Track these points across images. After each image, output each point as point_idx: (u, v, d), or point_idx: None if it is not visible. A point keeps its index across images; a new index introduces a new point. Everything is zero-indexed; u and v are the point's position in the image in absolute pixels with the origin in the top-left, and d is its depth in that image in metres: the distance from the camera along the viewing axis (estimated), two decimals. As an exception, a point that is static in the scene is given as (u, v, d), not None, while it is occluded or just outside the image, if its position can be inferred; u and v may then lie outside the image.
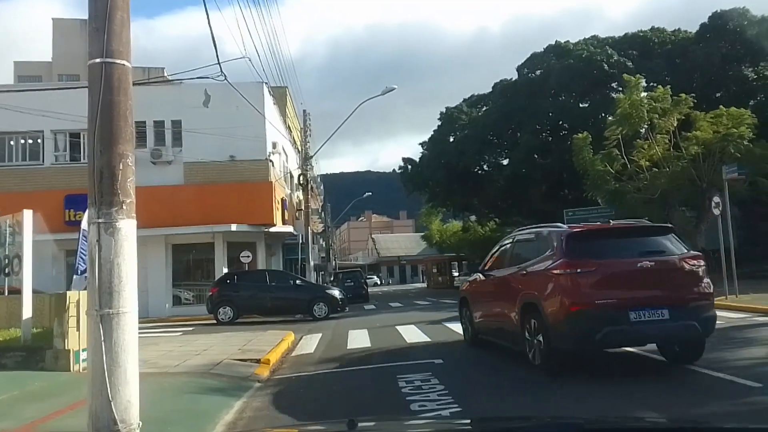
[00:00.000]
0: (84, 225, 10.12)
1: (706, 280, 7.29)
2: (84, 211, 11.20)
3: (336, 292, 19.83)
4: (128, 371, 4.54)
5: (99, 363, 4.44)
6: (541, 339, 7.10)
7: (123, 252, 4.75)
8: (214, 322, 18.05)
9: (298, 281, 20.07)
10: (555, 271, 7.04)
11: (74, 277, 10.38)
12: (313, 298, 18.83)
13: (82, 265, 9.67)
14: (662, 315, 6.71)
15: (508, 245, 9.10)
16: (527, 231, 8.96)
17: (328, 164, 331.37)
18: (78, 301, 8.32)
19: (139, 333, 4.87)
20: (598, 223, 10.88)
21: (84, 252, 9.43)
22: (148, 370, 7.88)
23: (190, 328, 16.76)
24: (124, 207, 4.82)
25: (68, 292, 8.68)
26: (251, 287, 18.77)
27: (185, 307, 22.09)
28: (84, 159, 21.72)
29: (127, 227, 4.82)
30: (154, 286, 21.23)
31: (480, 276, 9.68)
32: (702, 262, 7.45)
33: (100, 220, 4.75)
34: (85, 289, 7.27)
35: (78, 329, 8.26)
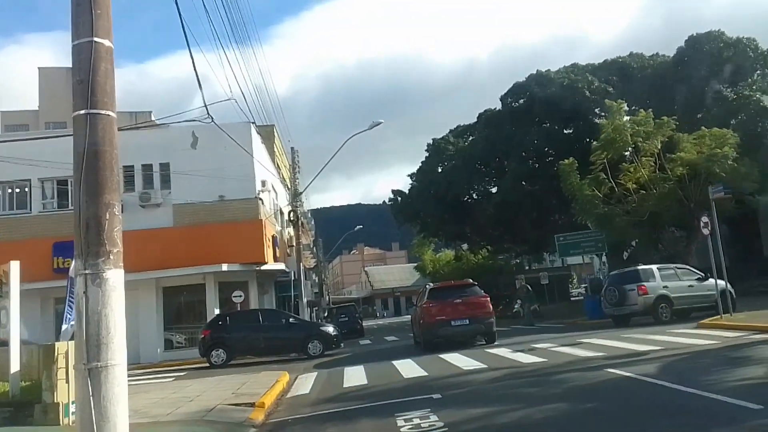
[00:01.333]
0: (72, 273, 10.02)
1: (489, 306, 16.33)
2: (72, 258, 11.14)
3: (330, 329, 19.55)
4: (118, 425, 4.45)
5: (87, 418, 4.35)
6: (420, 334, 16.88)
7: (111, 303, 4.69)
8: (207, 365, 17.75)
9: (291, 319, 19.76)
10: (423, 305, 16.82)
11: (63, 326, 10.21)
12: (308, 336, 18.52)
13: (71, 314, 9.53)
14: (465, 322, 15.85)
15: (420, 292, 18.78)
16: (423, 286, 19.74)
17: (320, 198, 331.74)
18: (66, 352, 8.16)
19: (130, 380, 4.79)
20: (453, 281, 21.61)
21: (72, 301, 9.31)
22: (139, 420, 7.71)
23: (183, 373, 16.48)
24: (111, 257, 4.79)
25: (56, 344, 8.52)
26: (244, 328, 18.45)
27: (178, 351, 21.75)
28: (71, 206, 21.68)
29: (115, 277, 4.77)
30: (145, 331, 20.94)
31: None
32: (486, 298, 16.57)
33: (87, 271, 4.71)
34: (72, 339, 7.16)
35: (67, 381, 8.08)
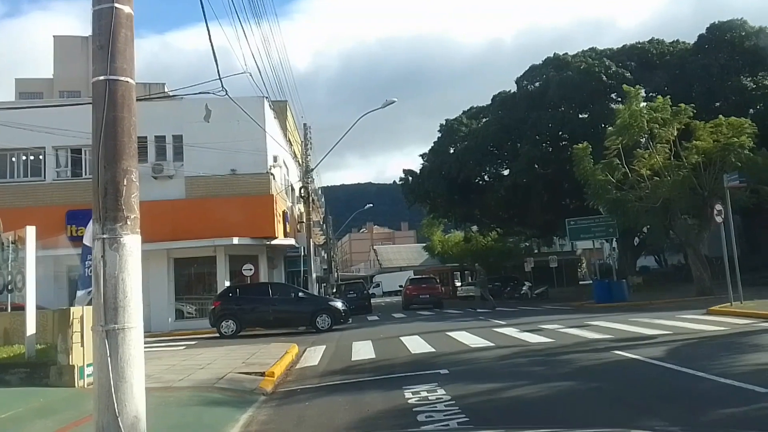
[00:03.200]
0: (86, 240, 10.14)
1: (439, 288, 34.15)
2: (85, 227, 11.26)
3: (339, 304, 19.74)
4: (134, 386, 4.54)
5: (105, 378, 4.44)
6: (403, 301, 33.24)
7: (128, 267, 4.76)
8: (217, 335, 17.99)
9: (300, 293, 20.01)
10: (406, 286, 33.87)
11: (77, 292, 10.37)
12: (316, 310, 18.71)
13: (86, 281, 9.67)
14: (426, 296, 31.15)
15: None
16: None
17: (334, 175, 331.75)
18: (81, 317, 8.31)
19: (144, 347, 4.88)
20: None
21: (87, 268, 9.44)
22: (152, 385, 7.86)
23: (193, 342, 16.71)
24: (129, 222, 4.84)
25: (71, 308, 8.67)
26: (254, 300, 18.68)
27: (188, 321, 22.02)
28: (85, 174, 21.82)
29: (132, 242, 4.83)
30: (156, 301, 21.17)
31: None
32: (438, 285, 34.47)
33: (104, 236, 4.77)
34: (89, 304, 7.28)
35: (82, 345, 8.24)
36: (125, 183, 4.95)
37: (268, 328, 18.69)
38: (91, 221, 6.70)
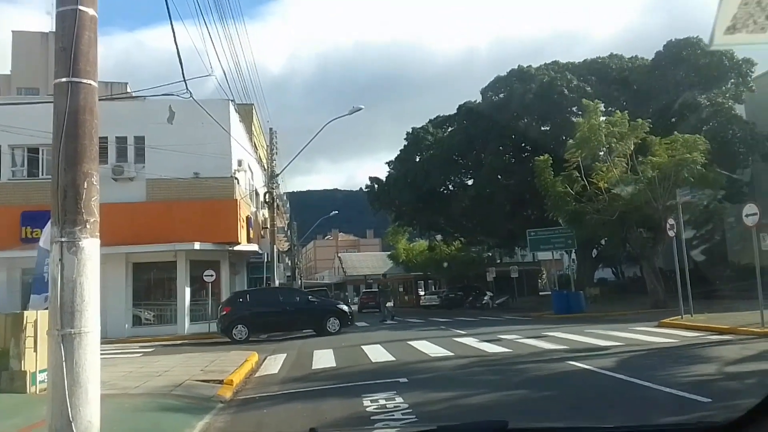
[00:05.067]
0: (42, 243, 9.92)
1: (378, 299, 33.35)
2: (41, 229, 10.99)
3: (345, 307, 20.39)
4: (89, 392, 4.51)
5: (60, 383, 4.40)
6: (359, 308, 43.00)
7: (86, 271, 4.73)
8: (227, 341, 17.71)
9: (309, 297, 20.46)
10: (361, 296, 50.71)
11: (32, 296, 10.13)
12: (326, 313, 19.13)
13: (40, 284, 9.45)
14: (373, 304, 39.51)
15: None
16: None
17: (304, 180, 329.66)
18: (36, 321, 8.14)
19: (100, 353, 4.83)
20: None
21: (43, 271, 9.23)
22: (107, 392, 7.73)
23: (151, 349, 16.44)
24: (88, 226, 4.82)
25: (25, 312, 8.49)
26: (265, 305, 18.86)
27: (145, 328, 21.60)
28: (42, 174, 21.27)
29: (91, 246, 4.81)
30: (113, 306, 20.65)
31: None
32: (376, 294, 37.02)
33: (63, 239, 4.73)
34: (45, 308, 7.14)
35: (35, 350, 8.07)
36: (85, 186, 4.92)
37: (278, 332, 18.91)
38: (48, 224, 6.60)
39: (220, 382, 9.16)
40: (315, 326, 18.81)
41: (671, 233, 16.83)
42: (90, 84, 5.10)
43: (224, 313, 18.59)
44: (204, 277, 21.20)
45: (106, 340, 18.22)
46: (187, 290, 21.82)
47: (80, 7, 5.03)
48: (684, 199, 18.48)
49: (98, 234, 4.93)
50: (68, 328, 4.52)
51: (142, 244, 20.81)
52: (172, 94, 13.61)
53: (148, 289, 22.66)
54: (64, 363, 4.40)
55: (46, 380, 5.16)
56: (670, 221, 17.06)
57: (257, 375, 10.70)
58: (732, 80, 29.99)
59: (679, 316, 15.90)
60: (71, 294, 4.62)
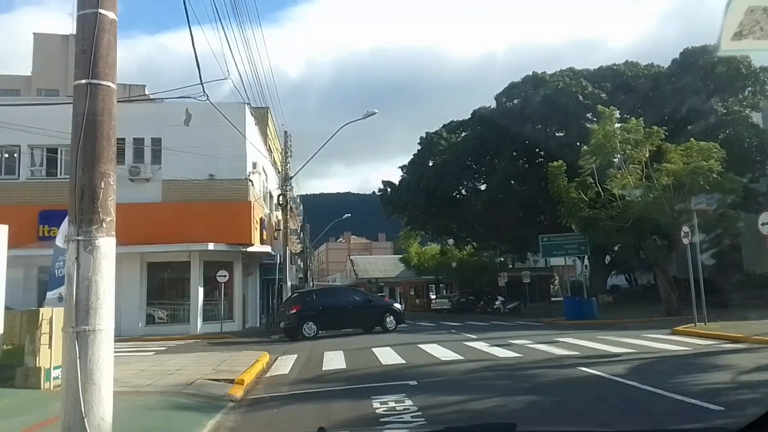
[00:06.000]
0: (58, 241, 10.08)
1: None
2: (58, 227, 11.16)
3: (399, 306, 22.25)
4: (102, 389, 4.58)
5: (73, 380, 4.47)
6: None
7: (101, 270, 4.81)
8: (240, 340, 18.11)
9: (369, 297, 22.12)
10: None
11: (47, 293, 10.29)
12: (385, 311, 20.45)
13: (56, 282, 9.60)
14: None
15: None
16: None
17: (319, 184, 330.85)
18: (51, 319, 8.26)
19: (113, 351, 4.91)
20: None
21: (59, 269, 9.38)
22: (120, 389, 7.83)
23: (163, 348, 16.58)
24: (104, 225, 4.90)
25: (41, 309, 8.61)
26: (330, 304, 20.03)
27: (159, 327, 21.81)
28: (60, 174, 21.56)
29: (107, 245, 4.89)
30: (127, 305, 20.90)
31: None
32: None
33: (79, 238, 4.81)
34: (60, 305, 7.25)
35: (50, 347, 8.19)
36: (102, 186, 5.01)
37: (342, 329, 19.75)
38: (65, 222, 6.71)
39: (231, 381, 9.24)
40: (375, 323, 20.00)
41: (686, 241, 16.67)
42: (109, 86, 5.20)
43: (293, 311, 19.41)
44: (217, 278, 21.39)
45: (119, 338, 18.43)
46: (201, 290, 21.99)
47: (100, 11, 5.12)
48: (699, 207, 18.33)
49: (114, 233, 5.02)
50: (83, 326, 4.59)
51: (157, 244, 21.03)
52: (190, 97, 13.77)
53: (162, 289, 22.88)
54: (78, 360, 4.47)
55: (60, 377, 5.26)
56: (685, 229, 16.89)
57: (268, 375, 10.76)
58: (749, 88, 29.71)
59: (693, 324, 15.74)
60: (86, 292, 4.70)
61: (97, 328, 4.68)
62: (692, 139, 22.41)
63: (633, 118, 23.11)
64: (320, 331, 18.95)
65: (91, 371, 4.57)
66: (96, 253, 4.81)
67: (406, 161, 39.12)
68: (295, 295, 21.44)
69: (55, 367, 8.06)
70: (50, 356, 8.23)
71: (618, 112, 24.07)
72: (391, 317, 20.16)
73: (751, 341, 12.37)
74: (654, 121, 23.35)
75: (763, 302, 21.62)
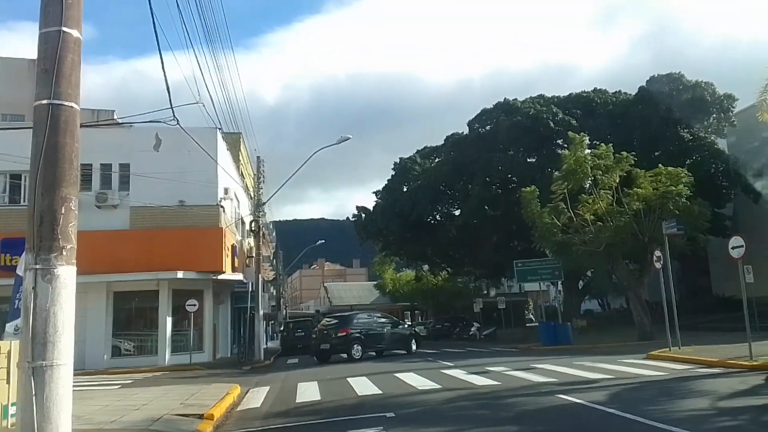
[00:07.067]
0: (18, 270, 9.63)
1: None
2: (20, 256, 10.71)
3: (419, 331, 26.41)
4: (60, 428, 4.28)
5: (29, 419, 4.17)
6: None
7: (60, 300, 4.53)
8: (210, 372, 17.69)
9: (399, 323, 24.14)
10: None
11: (6, 325, 9.80)
12: (410, 335, 23.02)
13: (14, 313, 9.14)
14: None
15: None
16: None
17: (293, 210, 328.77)
18: (9, 352, 7.82)
19: (74, 386, 4.60)
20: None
21: (18, 299, 8.94)
22: (81, 427, 7.43)
23: (130, 381, 15.96)
24: (64, 253, 4.64)
25: (-2, 342, 8.15)
26: (369, 328, 21.49)
27: (125, 359, 21.05)
28: (23, 201, 20.88)
29: (66, 274, 4.62)
30: (92, 336, 20.20)
31: None
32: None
33: (37, 266, 4.54)
34: (17, 337, 6.86)
35: (8, 381, 7.72)
36: (63, 211, 4.75)
37: (378, 351, 21.24)
38: (24, 250, 6.37)
39: (200, 416, 8.84)
40: (404, 346, 22.07)
41: (657, 265, 16.83)
42: (72, 107, 4.98)
43: (342, 334, 20.63)
44: (186, 307, 20.81)
45: (83, 371, 17.84)
46: (169, 320, 21.38)
47: (64, 29, 4.94)
48: (669, 232, 18.55)
49: (75, 261, 4.75)
50: (40, 361, 4.30)
51: (124, 273, 20.43)
52: (160, 121, 13.51)
53: (129, 319, 22.18)
54: (34, 398, 4.17)
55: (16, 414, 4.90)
56: (657, 253, 17.07)
57: (239, 409, 10.36)
58: (714, 115, 30.58)
59: (667, 348, 15.79)
60: (44, 324, 4.41)
61: (55, 363, 4.39)
62: (660, 164, 22.87)
63: (603, 144, 23.50)
64: (363, 354, 20.39)
65: (48, 409, 4.26)
66: (55, 283, 4.54)
67: (381, 186, 39.17)
68: (337, 319, 22.51)
69: (13, 404, 7.58)
70: (8, 392, 7.76)
71: (588, 138, 24.46)
72: (414, 340, 22.70)
73: (725, 365, 12.41)
74: (623, 146, 23.78)
75: (732, 325, 21.89)
